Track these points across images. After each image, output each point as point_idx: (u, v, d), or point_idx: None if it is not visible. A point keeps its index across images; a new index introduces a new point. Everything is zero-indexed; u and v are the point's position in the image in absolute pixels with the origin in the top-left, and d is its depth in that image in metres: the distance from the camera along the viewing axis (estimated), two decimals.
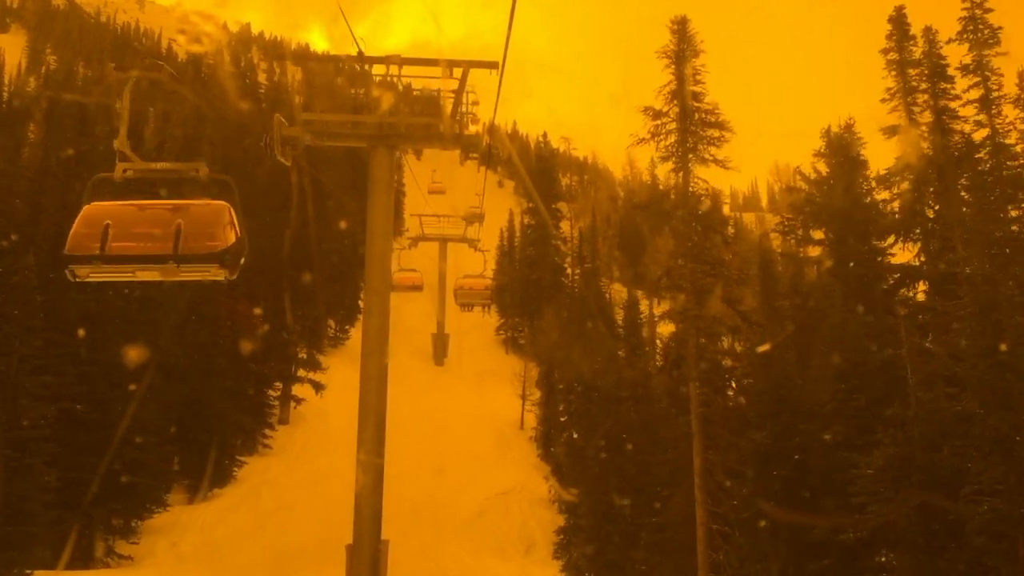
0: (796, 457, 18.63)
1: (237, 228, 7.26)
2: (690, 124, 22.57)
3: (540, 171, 77.75)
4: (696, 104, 22.63)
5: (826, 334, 21.42)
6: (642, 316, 43.88)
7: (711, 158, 22.46)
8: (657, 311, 68.01)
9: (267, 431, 41.93)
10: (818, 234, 29.96)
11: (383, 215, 20.92)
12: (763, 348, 21.90)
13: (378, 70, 21.91)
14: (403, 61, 21.51)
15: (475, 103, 20.95)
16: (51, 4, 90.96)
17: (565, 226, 68.91)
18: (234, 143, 59.63)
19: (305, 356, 48.55)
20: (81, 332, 25.53)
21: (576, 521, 30.62)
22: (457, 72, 20.97)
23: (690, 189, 22.38)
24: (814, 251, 30.35)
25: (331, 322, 56.49)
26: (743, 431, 20.55)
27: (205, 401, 34.70)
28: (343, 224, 53.55)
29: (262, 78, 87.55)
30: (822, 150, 30.97)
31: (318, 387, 45.26)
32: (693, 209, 22.12)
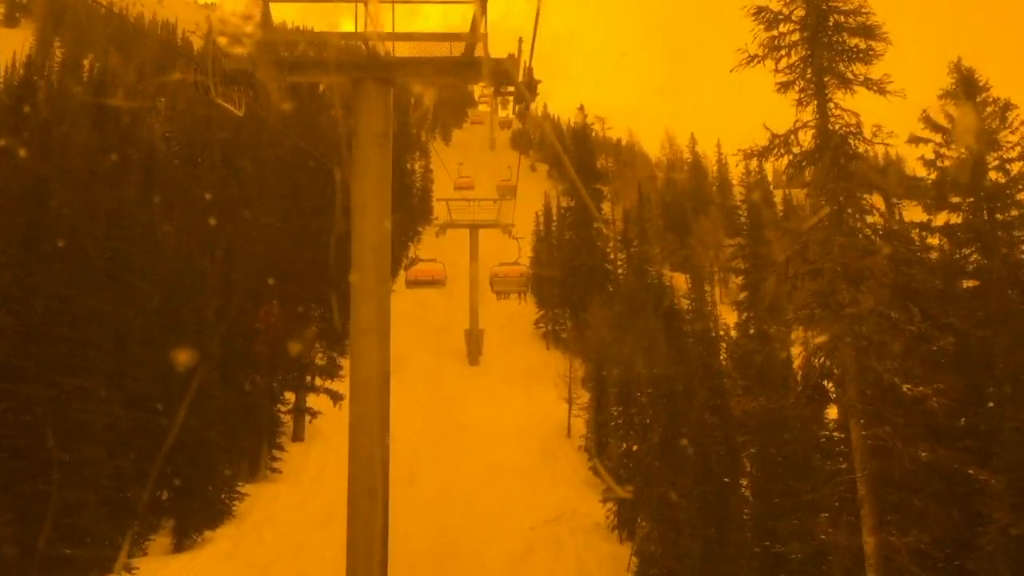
0: None
1: None
2: (823, 32, 15.12)
3: (576, 151, 70.17)
4: (831, 3, 15.20)
5: None
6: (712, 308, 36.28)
7: (857, 79, 15.01)
8: (722, 297, 60.26)
9: (275, 452, 35.00)
10: (956, 198, 22.15)
11: (375, 183, 13.36)
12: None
13: None
14: None
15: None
16: None
17: (606, 207, 61.54)
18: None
19: (323, 361, 41.71)
20: None
21: None
22: None
23: (829, 126, 14.94)
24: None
25: None
26: (947, 502, 13.11)
27: (191, 427, 27.73)
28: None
29: None
30: (951, 88, 23.20)
31: (336, 398, 38.21)
32: (836, 154, 14.63)
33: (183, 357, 28.67)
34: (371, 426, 13.05)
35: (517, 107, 14.28)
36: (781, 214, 79.01)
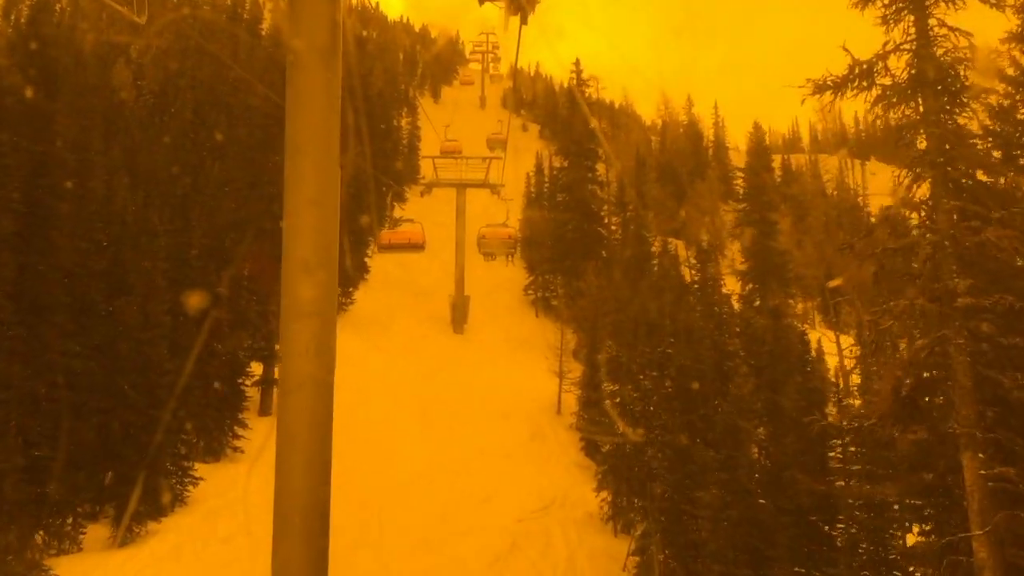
0: None
1: None
2: None
3: (571, 110, 65.85)
4: None
5: None
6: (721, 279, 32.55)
7: None
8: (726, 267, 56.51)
9: (238, 429, 31.31)
10: None
11: (318, 114, 9.38)
12: None
13: None
14: None
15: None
16: None
17: (600, 168, 57.51)
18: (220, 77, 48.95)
19: None
20: None
21: None
22: None
23: (930, 49, 11.18)
24: None
25: None
26: None
27: (136, 406, 24.11)
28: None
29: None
30: (1016, 31, 19.35)
31: None
32: (941, 82, 10.83)
33: (127, 326, 25.01)
34: (304, 449, 9.23)
35: (512, 18, 10.40)
36: (779, 179, 75.29)
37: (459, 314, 46.98)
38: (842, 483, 17.02)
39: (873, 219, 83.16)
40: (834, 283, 49.65)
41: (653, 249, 46.61)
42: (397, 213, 56.02)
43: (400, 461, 31.63)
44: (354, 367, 39.76)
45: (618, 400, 31.82)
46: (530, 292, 52.85)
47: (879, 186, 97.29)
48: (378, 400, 35.83)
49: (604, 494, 28.97)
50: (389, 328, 44.08)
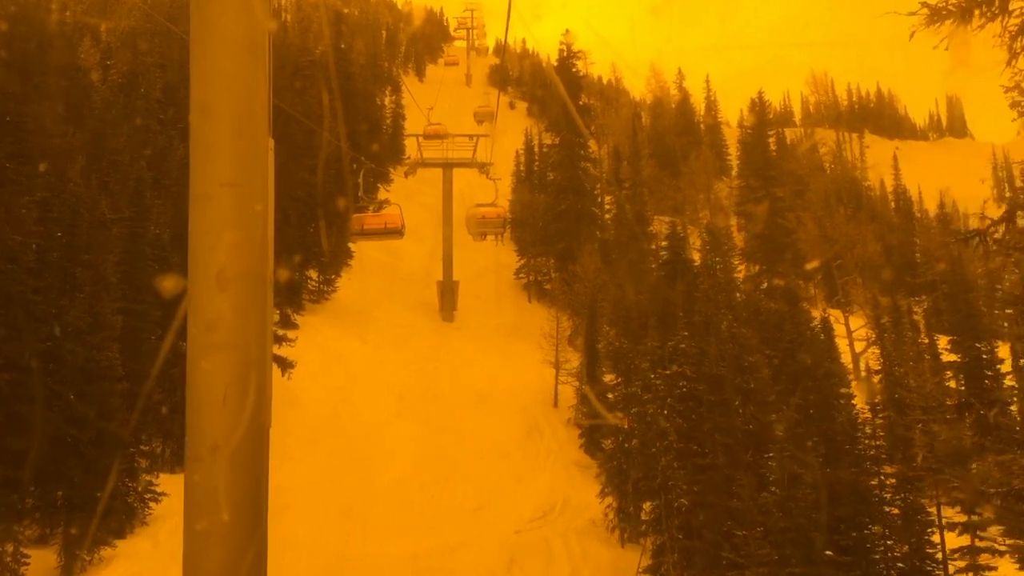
0: None
1: None
2: None
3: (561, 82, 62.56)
4: None
5: None
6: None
7: None
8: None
9: None
10: None
11: (237, 68, 6.15)
12: None
13: None
14: None
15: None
16: None
17: (592, 146, 54.40)
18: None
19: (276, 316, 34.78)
20: None
21: None
22: None
23: None
24: None
25: (312, 272, 42.40)
26: None
27: (84, 418, 21.18)
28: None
29: None
30: None
31: (284, 366, 31.41)
32: None
33: (74, 329, 21.95)
34: (223, 544, 6.08)
35: None
36: (774, 153, 72.31)
37: (447, 300, 44.00)
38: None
39: (868, 191, 79.49)
40: (811, 264, 47.09)
41: (651, 229, 43.70)
42: (382, 195, 52.92)
43: (386, 464, 28.87)
44: (336, 361, 36.88)
45: (621, 395, 29.08)
46: (521, 276, 49.90)
47: (875, 158, 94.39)
48: (362, 396, 33.02)
49: (609, 500, 26.18)
50: (373, 317, 41.12)
